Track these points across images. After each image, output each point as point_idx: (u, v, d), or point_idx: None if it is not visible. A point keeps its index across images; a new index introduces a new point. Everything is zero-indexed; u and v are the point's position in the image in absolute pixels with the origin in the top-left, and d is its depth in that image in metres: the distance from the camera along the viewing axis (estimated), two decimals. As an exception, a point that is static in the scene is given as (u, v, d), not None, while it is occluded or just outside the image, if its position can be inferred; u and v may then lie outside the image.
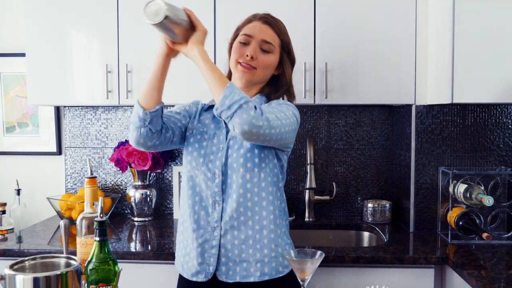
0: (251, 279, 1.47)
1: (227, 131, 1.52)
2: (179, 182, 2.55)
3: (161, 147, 1.55)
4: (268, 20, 1.56)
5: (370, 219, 2.39)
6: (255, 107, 1.34)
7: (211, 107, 1.61)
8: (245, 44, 1.53)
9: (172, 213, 2.58)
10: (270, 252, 1.49)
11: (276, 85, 1.61)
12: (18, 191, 2.56)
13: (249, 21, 1.58)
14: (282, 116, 1.43)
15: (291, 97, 1.63)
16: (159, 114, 1.50)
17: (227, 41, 2.20)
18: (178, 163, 2.58)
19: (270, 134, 1.38)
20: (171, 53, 1.48)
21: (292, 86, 1.63)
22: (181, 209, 1.60)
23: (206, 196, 1.51)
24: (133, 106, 2.52)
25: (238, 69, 1.54)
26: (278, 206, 1.54)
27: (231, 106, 1.33)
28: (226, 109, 1.33)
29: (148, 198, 2.45)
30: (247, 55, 1.51)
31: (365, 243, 2.34)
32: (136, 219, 2.46)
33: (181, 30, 1.39)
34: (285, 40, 1.59)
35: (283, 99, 1.61)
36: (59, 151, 2.67)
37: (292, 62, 1.63)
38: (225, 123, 1.52)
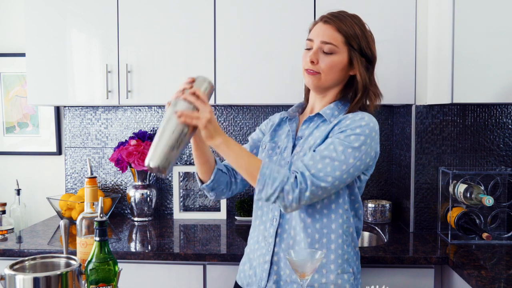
0: None
1: (293, 146, 1.48)
2: (179, 182, 2.55)
3: (242, 188, 1.60)
4: (328, 18, 1.45)
5: (370, 219, 2.39)
6: (297, 184, 1.29)
7: (291, 118, 1.55)
8: (309, 49, 1.46)
9: (172, 213, 2.58)
10: (321, 278, 1.42)
11: (356, 87, 1.47)
12: (18, 191, 2.56)
13: (315, 23, 1.50)
14: (342, 158, 1.32)
15: (371, 100, 1.47)
16: (218, 178, 1.50)
17: (227, 41, 2.21)
18: (178, 163, 2.58)
19: (326, 190, 1.33)
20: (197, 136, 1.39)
21: (373, 86, 1.48)
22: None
23: (268, 210, 1.49)
24: (133, 106, 2.53)
25: (305, 76, 1.47)
26: (340, 230, 1.45)
27: (269, 199, 1.32)
28: (266, 200, 1.34)
29: (148, 198, 2.45)
30: (307, 61, 1.44)
31: (365, 243, 2.34)
32: (136, 219, 2.46)
33: (189, 138, 1.26)
34: (353, 37, 1.42)
35: (366, 101, 1.48)
36: (59, 151, 2.67)
37: (369, 59, 1.46)
38: (293, 138, 1.50)
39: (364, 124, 1.38)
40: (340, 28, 1.42)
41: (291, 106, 2.52)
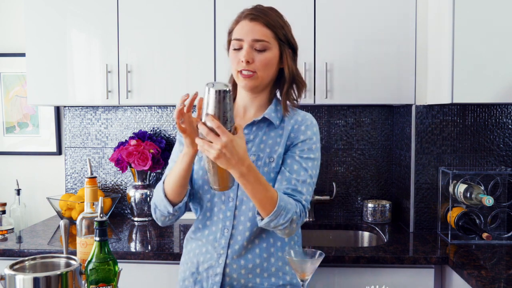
0: None
1: None
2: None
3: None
4: (254, 15, 1.40)
5: (370, 219, 2.39)
6: (300, 214, 1.35)
7: None
8: (238, 49, 1.40)
9: (172, 213, 2.58)
10: (278, 281, 1.43)
11: (284, 80, 1.48)
12: (18, 191, 2.56)
13: (237, 22, 1.43)
14: (313, 173, 1.43)
15: (299, 89, 1.49)
16: (186, 201, 1.43)
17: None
18: (178, 163, 2.58)
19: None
20: (196, 152, 1.33)
21: (299, 75, 1.48)
22: (190, 229, 1.53)
23: (217, 220, 1.44)
24: (133, 106, 2.53)
25: (239, 79, 1.41)
26: None
27: (276, 227, 1.32)
28: (272, 228, 1.34)
29: (148, 198, 2.45)
30: (242, 61, 1.39)
31: (365, 243, 2.34)
32: (136, 219, 2.46)
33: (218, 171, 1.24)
34: (280, 30, 1.42)
35: (298, 91, 1.49)
36: (59, 151, 2.67)
37: (294, 49, 1.48)
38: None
39: (315, 130, 1.47)
40: (268, 23, 1.40)
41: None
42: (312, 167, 1.43)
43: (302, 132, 1.44)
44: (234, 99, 1.52)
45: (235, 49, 1.41)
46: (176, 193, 1.38)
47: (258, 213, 1.34)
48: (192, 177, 1.46)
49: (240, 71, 1.40)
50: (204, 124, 1.15)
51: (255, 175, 1.26)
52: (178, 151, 1.48)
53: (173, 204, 1.39)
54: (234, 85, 1.51)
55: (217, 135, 1.15)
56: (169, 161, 1.51)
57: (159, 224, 1.47)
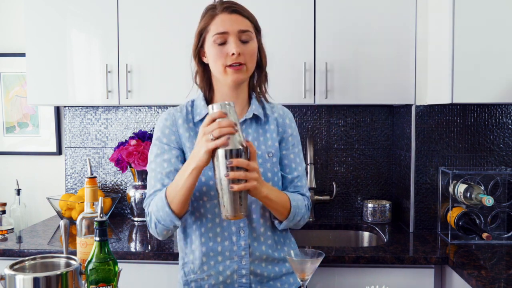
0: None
1: None
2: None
3: None
4: (233, 8, 1.37)
5: (370, 219, 2.39)
6: (309, 205, 1.46)
7: (192, 121, 1.44)
8: (222, 44, 1.35)
9: (172, 213, 2.58)
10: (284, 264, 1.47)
11: (257, 72, 1.46)
12: (18, 191, 2.56)
13: (211, 17, 1.37)
14: (304, 163, 1.52)
15: (266, 80, 1.49)
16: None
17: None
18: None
19: None
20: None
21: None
22: (185, 241, 1.43)
23: (228, 223, 1.38)
24: (133, 106, 2.53)
25: (228, 73, 1.36)
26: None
27: (296, 225, 1.44)
28: (292, 227, 1.45)
29: (148, 198, 2.45)
30: (232, 54, 1.33)
31: (365, 243, 2.34)
32: (136, 219, 2.46)
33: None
34: (255, 20, 1.41)
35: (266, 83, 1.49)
36: (59, 151, 2.67)
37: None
38: None
39: (294, 120, 1.53)
40: (248, 14, 1.39)
41: (291, 106, 2.52)
42: (302, 158, 1.51)
43: (288, 126, 1.49)
44: (211, 101, 1.46)
45: (219, 44, 1.35)
46: (184, 205, 1.31)
47: (275, 218, 1.40)
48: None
49: (230, 65, 1.35)
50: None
51: (273, 190, 1.33)
52: (168, 159, 1.39)
53: (180, 217, 1.33)
54: (211, 87, 1.46)
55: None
56: (158, 169, 1.38)
57: (160, 238, 1.40)
